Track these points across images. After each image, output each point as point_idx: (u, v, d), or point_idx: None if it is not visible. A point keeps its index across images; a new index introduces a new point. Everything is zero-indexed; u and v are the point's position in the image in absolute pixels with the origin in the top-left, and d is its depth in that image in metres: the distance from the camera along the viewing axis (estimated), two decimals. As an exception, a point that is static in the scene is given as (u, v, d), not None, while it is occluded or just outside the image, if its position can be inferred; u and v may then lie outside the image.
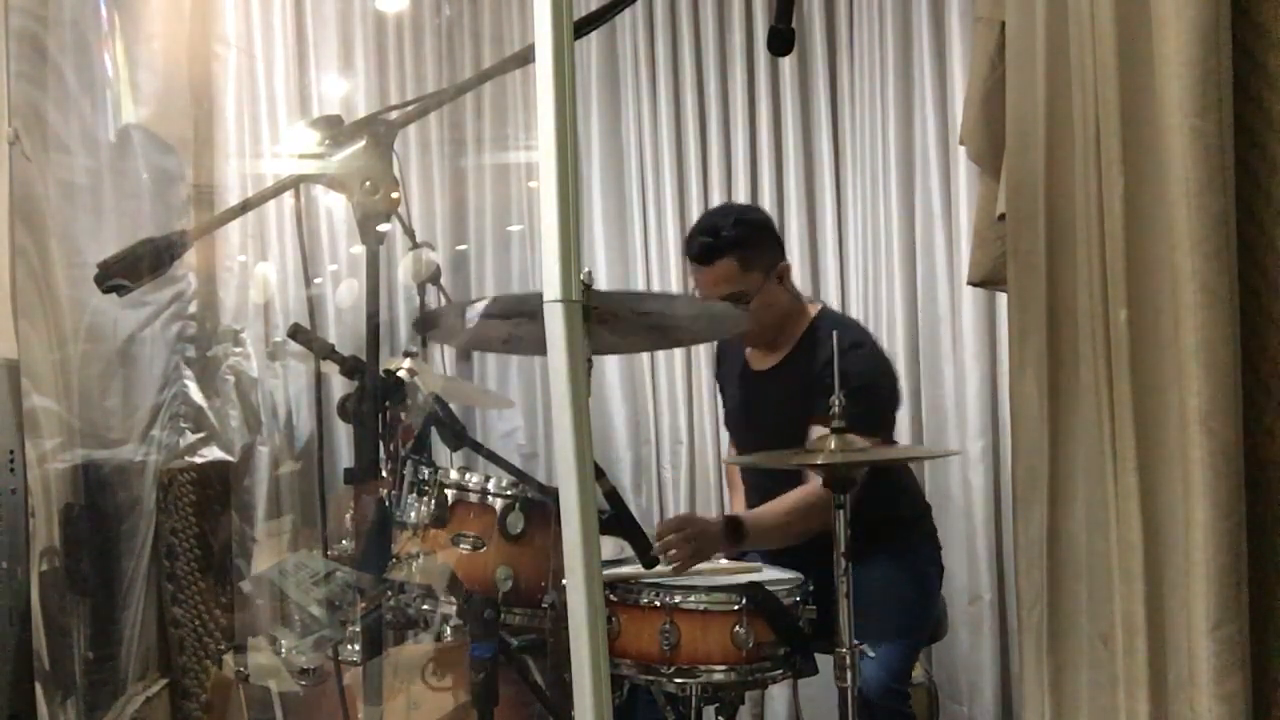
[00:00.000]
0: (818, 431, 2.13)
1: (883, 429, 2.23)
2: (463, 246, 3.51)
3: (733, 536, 2.07)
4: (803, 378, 2.25)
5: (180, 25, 2.81)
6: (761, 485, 2.46)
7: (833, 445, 1.81)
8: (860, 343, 2.27)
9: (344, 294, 3.19)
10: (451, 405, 2.06)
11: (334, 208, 3.20)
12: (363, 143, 1.38)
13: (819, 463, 1.79)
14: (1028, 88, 1.55)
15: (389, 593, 1.89)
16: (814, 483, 2.13)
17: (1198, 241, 1.23)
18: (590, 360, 1.76)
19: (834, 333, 2.14)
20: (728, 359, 2.56)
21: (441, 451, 2.21)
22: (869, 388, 2.15)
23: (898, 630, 2.15)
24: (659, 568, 1.91)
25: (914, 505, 2.48)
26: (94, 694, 2.27)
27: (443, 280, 2.79)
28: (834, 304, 3.31)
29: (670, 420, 3.36)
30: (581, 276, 1.76)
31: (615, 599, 1.90)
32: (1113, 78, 1.34)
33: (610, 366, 3.35)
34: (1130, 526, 1.35)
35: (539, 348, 1.71)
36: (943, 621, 2.46)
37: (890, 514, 2.32)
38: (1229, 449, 1.23)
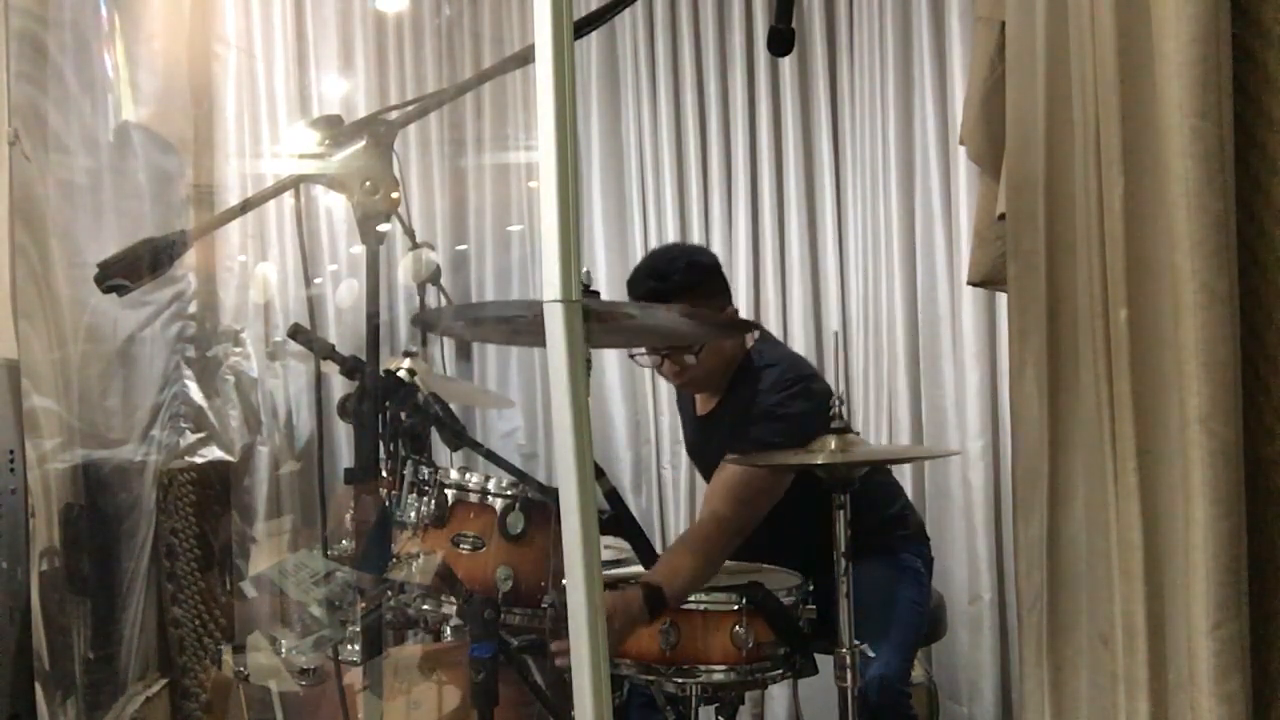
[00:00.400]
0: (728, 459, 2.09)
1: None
2: (463, 246, 3.51)
3: (655, 603, 1.83)
4: (735, 423, 2.20)
5: (180, 25, 2.81)
6: None
7: (833, 445, 1.82)
8: (786, 381, 2.17)
9: (344, 294, 3.19)
10: (451, 405, 2.06)
11: (334, 208, 3.21)
12: (363, 143, 1.38)
13: (819, 462, 1.79)
14: (1028, 88, 1.55)
15: (389, 593, 1.89)
16: (711, 506, 2.07)
17: (1198, 241, 1.22)
18: (589, 360, 1.76)
19: (760, 386, 2.15)
20: (683, 395, 2.52)
21: (441, 451, 2.21)
22: (787, 417, 2.10)
23: (895, 628, 2.15)
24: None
25: (892, 502, 2.47)
26: (94, 694, 2.27)
27: (443, 280, 2.80)
28: (834, 304, 3.31)
29: (670, 420, 3.36)
30: (580, 276, 1.77)
31: (615, 599, 1.89)
32: (1113, 78, 1.34)
33: (610, 366, 3.35)
34: (1130, 526, 1.35)
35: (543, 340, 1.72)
36: (942, 621, 2.46)
37: (870, 513, 2.32)
38: (1229, 449, 1.22)
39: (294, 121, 3.16)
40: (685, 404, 2.51)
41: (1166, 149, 1.25)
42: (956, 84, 3.08)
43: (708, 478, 2.42)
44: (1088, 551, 1.48)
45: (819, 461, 1.79)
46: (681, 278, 2.15)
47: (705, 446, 2.40)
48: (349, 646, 1.96)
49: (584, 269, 1.79)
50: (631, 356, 2.33)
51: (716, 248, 3.36)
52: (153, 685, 2.58)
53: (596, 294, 1.77)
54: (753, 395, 2.17)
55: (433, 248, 3.03)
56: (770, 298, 3.32)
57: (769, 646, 1.89)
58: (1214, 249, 1.22)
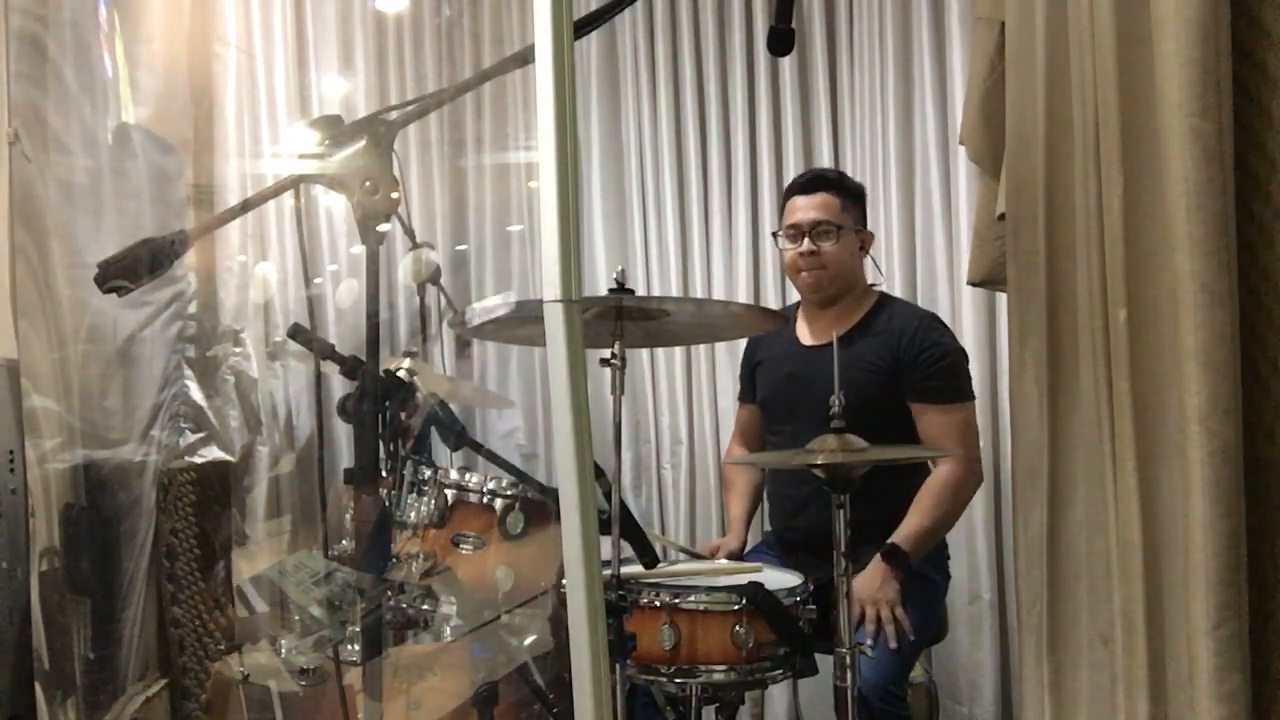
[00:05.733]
0: (929, 414, 2.30)
1: (971, 391, 2.40)
2: (463, 246, 3.51)
3: (894, 563, 2.17)
4: (877, 350, 2.35)
5: (180, 25, 2.81)
6: (779, 474, 2.48)
7: (832, 445, 1.81)
8: (935, 319, 2.45)
9: (344, 294, 3.19)
10: (451, 405, 2.06)
11: (334, 208, 3.20)
12: (363, 143, 1.38)
13: (819, 463, 1.78)
14: (1027, 88, 1.55)
15: (389, 593, 1.89)
16: (944, 470, 2.29)
17: (1198, 241, 1.22)
18: (624, 359, 1.78)
19: (917, 318, 2.40)
20: (769, 342, 2.57)
21: (441, 451, 2.21)
22: (957, 362, 2.36)
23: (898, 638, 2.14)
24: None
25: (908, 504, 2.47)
26: (94, 694, 2.27)
27: (443, 280, 2.79)
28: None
29: (670, 420, 3.37)
30: (615, 275, 1.78)
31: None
32: (1112, 78, 1.34)
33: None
34: (1130, 526, 1.35)
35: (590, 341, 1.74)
36: (943, 622, 2.45)
37: (886, 514, 2.32)
38: (1229, 449, 1.22)
39: (294, 121, 3.16)
40: (776, 342, 2.55)
41: (1166, 149, 1.26)
42: (956, 84, 3.08)
43: (793, 417, 2.44)
44: (1087, 551, 1.48)
45: (819, 461, 1.78)
46: (836, 177, 2.50)
47: (814, 375, 2.38)
48: (349, 646, 1.96)
49: (619, 267, 1.82)
50: (774, 235, 2.55)
51: (716, 248, 3.36)
52: (152, 685, 2.57)
53: (631, 291, 1.78)
54: (904, 336, 2.35)
55: (433, 248, 3.03)
56: (771, 297, 3.32)
57: (769, 646, 1.89)
58: (1214, 249, 1.22)
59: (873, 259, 2.56)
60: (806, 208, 2.40)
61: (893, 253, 3.20)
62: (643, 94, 3.42)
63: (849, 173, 3.29)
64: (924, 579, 2.30)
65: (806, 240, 2.38)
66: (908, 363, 2.31)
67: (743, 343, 3.17)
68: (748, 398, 2.67)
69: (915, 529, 2.22)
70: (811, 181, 2.45)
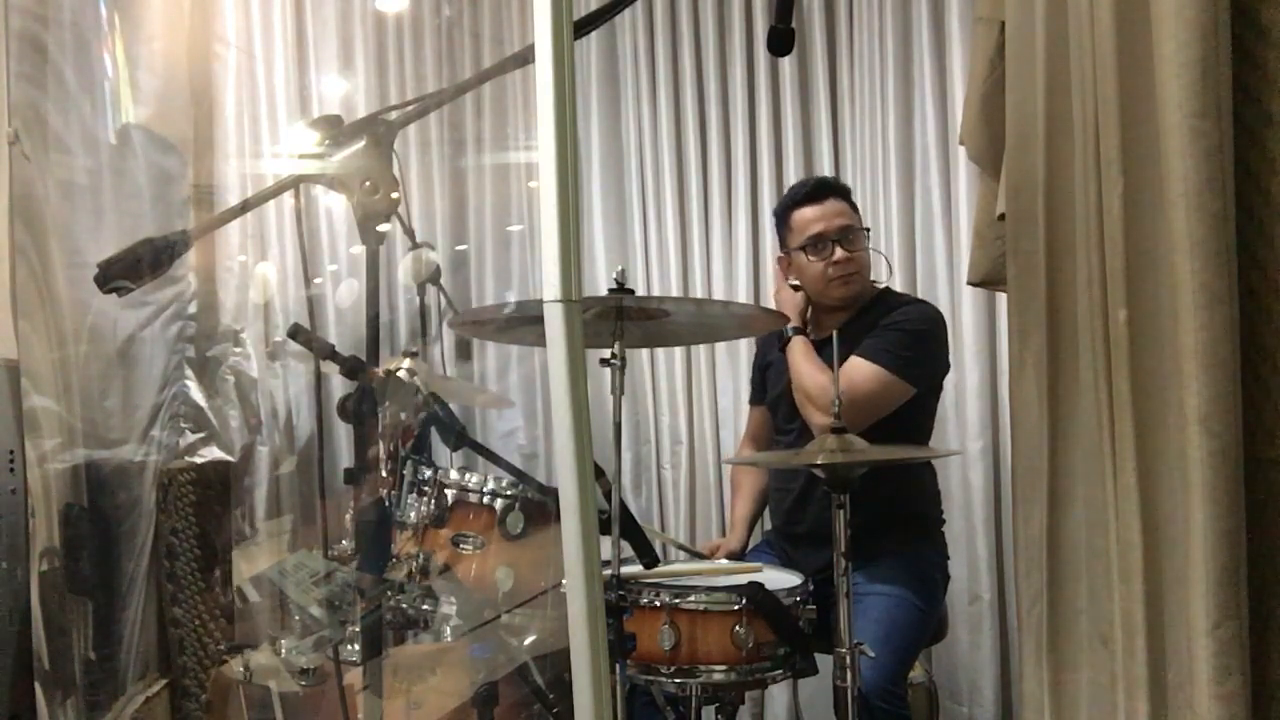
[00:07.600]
0: (851, 363, 2.21)
1: (912, 375, 2.25)
2: (463, 246, 3.51)
3: None
4: (866, 334, 2.30)
5: (180, 25, 2.81)
6: (781, 476, 2.47)
7: (832, 445, 1.81)
8: (924, 304, 2.44)
9: (344, 294, 3.19)
10: (451, 405, 2.06)
11: (334, 208, 3.20)
12: (363, 143, 1.38)
13: (819, 463, 1.78)
14: (1027, 88, 1.55)
15: (389, 593, 1.89)
16: (854, 373, 2.23)
17: (1198, 241, 1.22)
18: (624, 359, 1.78)
19: (910, 300, 2.39)
20: (778, 342, 2.51)
21: (441, 451, 2.21)
22: (920, 334, 2.28)
23: (896, 638, 2.14)
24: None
25: (931, 506, 2.47)
26: (94, 694, 2.27)
27: (443, 280, 2.79)
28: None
29: (670, 420, 3.37)
30: (615, 275, 1.79)
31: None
32: (1112, 78, 1.34)
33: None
34: (1129, 526, 1.35)
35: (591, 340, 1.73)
36: (943, 622, 2.45)
37: (906, 512, 2.32)
38: (1229, 449, 1.22)
39: (294, 121, 3.16)
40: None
41: (1166, 149, 1.25)
42: (956, 84, 3.08)
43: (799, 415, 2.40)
44: (1087, 551, 1.48)
45: (819, 461, 1.78)
46: (838, 182, 2.48)
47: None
48: (349, 646, 1.96)
49: (619, 267, 1.82)
50: (781, 258, 2.51)
51: (716, 248, 3.36)
52: (153, 685, 2.58)
53: (631, 291, 1.78)
54: (887, 312, 2.33)
55: (433, 248, 3.03)
56: (771, 298, 3.31)
57: (769, 646, 1.89)
58: (1214, 249, 1.22)
59: (884, 255, 2.55)
60: (826, 216, 2.34)
61: (893, 253, 3.20)
62: (643, 94, 3.42)
63: (849, 173, 3.30)
64: (924, 579, 2.29)
65: (839, 249, 2.33)
66: (873, 333, 2.28)
67: (742, 343, 3.19)
68: (758, 399, 2.66)
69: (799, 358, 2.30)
70: (817, 189, 2.39)
